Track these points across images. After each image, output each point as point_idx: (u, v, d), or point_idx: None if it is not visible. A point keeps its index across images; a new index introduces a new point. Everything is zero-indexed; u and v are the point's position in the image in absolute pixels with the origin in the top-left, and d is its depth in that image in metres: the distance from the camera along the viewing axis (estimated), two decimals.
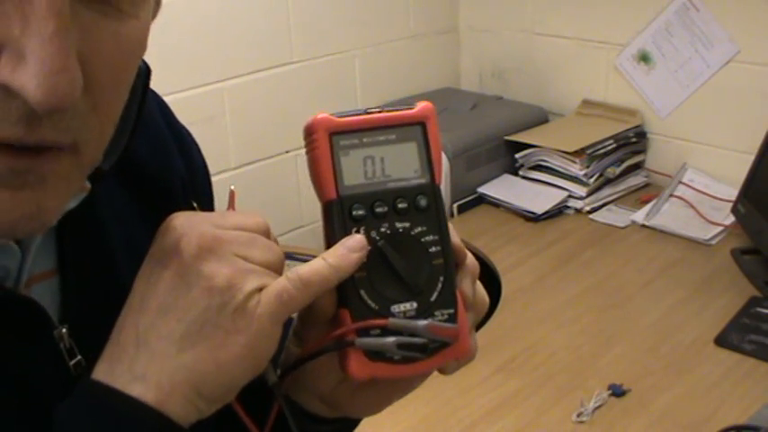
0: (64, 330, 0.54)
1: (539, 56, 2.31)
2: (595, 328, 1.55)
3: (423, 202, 0.53)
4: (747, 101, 1.95)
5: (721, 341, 1.47)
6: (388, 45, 2.25)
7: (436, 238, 0.53)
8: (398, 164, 0.54)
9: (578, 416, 1.31)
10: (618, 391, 1.36)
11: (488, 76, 2.44)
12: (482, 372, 1.43)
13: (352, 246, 0.52)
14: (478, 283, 0.57)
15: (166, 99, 0.71)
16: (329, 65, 2.12)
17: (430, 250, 0.53)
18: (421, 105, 0.55)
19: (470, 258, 0.56)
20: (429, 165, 0.54)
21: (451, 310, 0.54)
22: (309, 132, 0.53)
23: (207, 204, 0.71)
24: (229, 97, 1.93)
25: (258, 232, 0.53)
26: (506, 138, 2.13)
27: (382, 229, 0.53)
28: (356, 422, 0.67)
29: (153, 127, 0.66)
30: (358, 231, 0.52)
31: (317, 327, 0.55)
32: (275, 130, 2.05)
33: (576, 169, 2.03)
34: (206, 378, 0.49)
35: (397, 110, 0.54)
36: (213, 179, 0.75)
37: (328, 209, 0.53)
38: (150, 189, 0.64)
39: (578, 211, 2.02)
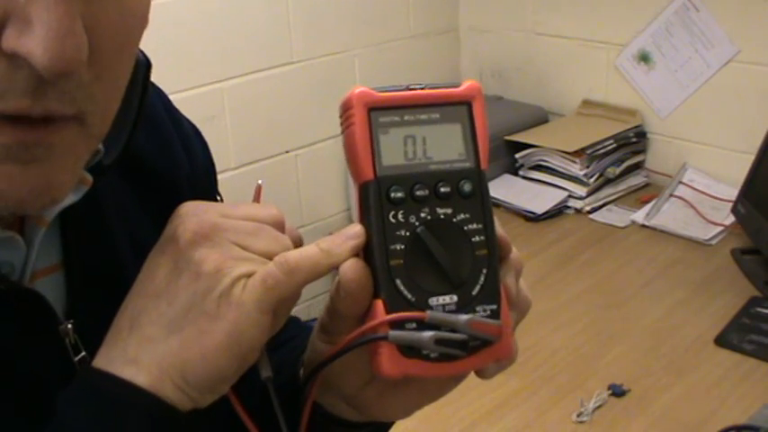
0: (69, 326, 0.54)
1: (539, 56, 2.31)
2: (595, 328, 1.55)
3: (467, 187, 0.49)
4: (747, 101, 1.95)
5: (721, 341, 1.47)
6: (388, 45, 2.25)
7: (480, 227, 0.49)
8: (441, 145, 0.49)
9: (578, 416, 1.31)
10: (618, 391, 1.36)
11: (488, 76, 2.44)
12: None
13: (349, 233, 0.49)
14: (522, 280, 0.53)
15: None
16: (329, 65, 2.12)
17: (473, 240, 0.49)
18: (467, 84, 0.51)
19: (515, 252, 0.52)
20: (474, 148, 0.50)
21: (494, 306, 0.49)
22: (346, 107, 0.49)
23: (210, 199, 0.70)
24: (229, 97, 1.93)
25: (270, 224, 0.52)
26: (506, 138, 2.13)
27: (422, 215, 0.48)
28: (387, 427, 0.65)
29: (156, 121, 0.66)
30: (396, 215, 0.48)
31: (349, 321, 0.51)
32: (275, 130, 2.04)
33: (576, 169, 2.03)
34: (190, 364, 0.48)
35: (442, 87, 0.50)
36: None
37: (364, 190, 0.49)
38: (153, 183, 0.63)
39: (578, 211, 2.02)
